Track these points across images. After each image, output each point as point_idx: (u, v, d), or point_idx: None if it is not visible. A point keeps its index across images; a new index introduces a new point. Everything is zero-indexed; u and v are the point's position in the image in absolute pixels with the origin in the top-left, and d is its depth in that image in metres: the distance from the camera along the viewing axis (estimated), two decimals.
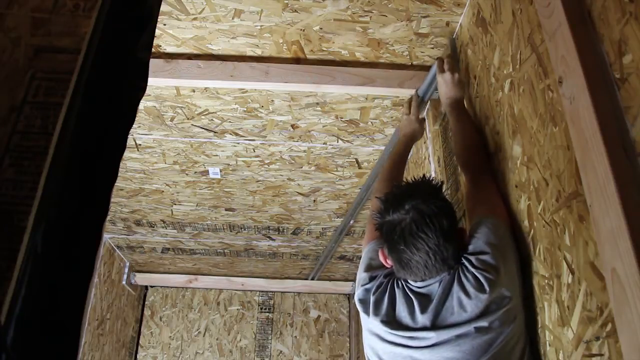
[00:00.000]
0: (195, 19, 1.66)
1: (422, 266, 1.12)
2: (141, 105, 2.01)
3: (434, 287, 1.15)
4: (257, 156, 2.45)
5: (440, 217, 1.13)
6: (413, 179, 1.24)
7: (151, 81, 1.01)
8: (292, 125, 2.19)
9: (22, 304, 0.53)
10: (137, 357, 4.23)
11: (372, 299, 1.22)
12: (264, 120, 2.16)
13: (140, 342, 4.29)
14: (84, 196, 0.63)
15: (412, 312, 1.14)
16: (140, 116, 2.14)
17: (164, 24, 1.69)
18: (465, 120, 1.49)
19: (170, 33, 1.73)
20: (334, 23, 1.67)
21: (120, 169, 0.69)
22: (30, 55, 0.65)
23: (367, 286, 1.26)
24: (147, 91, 1.35)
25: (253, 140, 2.31)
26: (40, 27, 0.67)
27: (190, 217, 3.17)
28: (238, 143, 2.34)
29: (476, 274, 1.10)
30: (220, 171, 2.59)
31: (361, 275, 1.32)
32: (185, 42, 1.77)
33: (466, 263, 1.13)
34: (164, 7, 1.60)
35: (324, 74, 1.82)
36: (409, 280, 1.19)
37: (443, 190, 1.22)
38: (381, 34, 1.71)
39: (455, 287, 1.11)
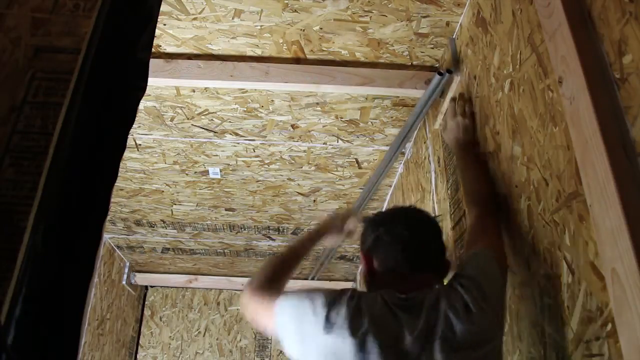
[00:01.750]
0: (195, 19, 1.66)
1: (416, 251, 1.12)
2: (141, 105, 2.01)
3: (418, 298, 1.03)
4: (257, 156, 2.45)
5: (437, 233, 1.19)
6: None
7: (151, 81, 1.01)
8: (292, 125, 2.19)
9: (22, 304, 0.53)
10: (137, 357, 4.23)
11: (344, 314, 1.00)
12: (264, 120, 2.16)
13: (140, 342, 4.29)
14: (84, 196, 0.62)
15: (399, 328, 0.99)
16: (140, 116, 2.14)
17: (164, 24, 1.69)
18: (474, 161, 1.47)
19: (170, 33, 1.73)
20: (334, 23, 1.67)
21: (120, 169, 0.69)
22: (30, 55, 0.65)
23: (334, 305, 1.02)
24: (147, 91, 1.35)
25: (253, 140, 2.31)
26: (40, 27, 0.67)
27: (190, 217, 3.17)
28: (238, 143, 2.34)
29: (465, 296, 1.03)
30: (220, 171, 2.59)
31: (320, 299, 1.05)
32: (185, 42, 1.77)
33: (457, 285, 1.06)
34: (164, 7, 1.60)
35: (324, 74, 1.82)
36: (391, 294, 1.04)
37: (438, 222, 1.27)
38: (381, 34, 1.71)
39: (443, 304, 1.01)
